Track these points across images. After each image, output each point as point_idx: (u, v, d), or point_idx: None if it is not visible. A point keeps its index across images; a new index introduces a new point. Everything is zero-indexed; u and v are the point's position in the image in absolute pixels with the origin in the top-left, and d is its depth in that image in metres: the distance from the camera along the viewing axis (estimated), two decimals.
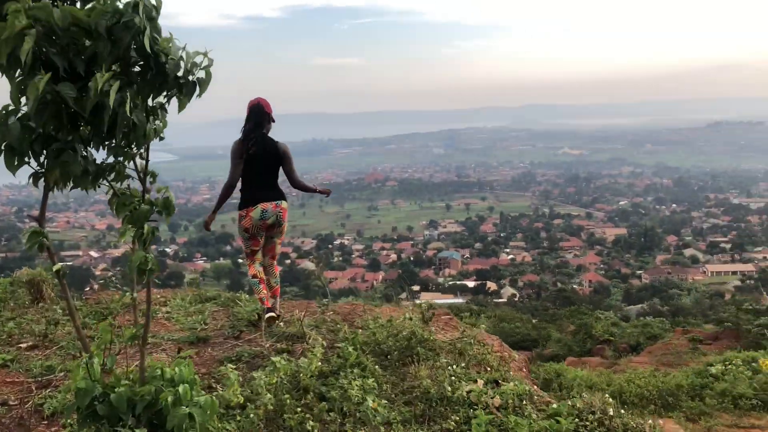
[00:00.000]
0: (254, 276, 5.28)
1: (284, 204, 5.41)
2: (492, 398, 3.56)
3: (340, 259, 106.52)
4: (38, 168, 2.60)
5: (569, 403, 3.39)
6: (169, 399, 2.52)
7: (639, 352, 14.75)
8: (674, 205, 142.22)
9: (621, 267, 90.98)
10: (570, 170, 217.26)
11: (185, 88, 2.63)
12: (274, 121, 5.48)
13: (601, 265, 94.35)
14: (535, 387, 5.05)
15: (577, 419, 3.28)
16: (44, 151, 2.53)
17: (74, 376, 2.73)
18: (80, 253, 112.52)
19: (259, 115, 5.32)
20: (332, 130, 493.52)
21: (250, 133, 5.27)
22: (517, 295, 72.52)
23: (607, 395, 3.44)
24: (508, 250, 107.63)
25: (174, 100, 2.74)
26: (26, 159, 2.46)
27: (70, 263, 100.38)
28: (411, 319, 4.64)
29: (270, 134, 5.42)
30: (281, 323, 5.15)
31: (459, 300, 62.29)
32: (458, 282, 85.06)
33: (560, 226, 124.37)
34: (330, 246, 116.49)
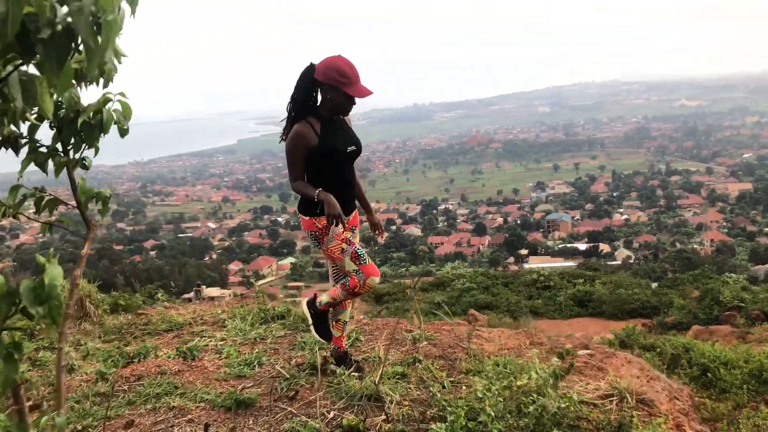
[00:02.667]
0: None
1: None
2: None
3: (445, 224, 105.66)
4: None
5: None
6: None
7: None
8: None
9: (746, 224, 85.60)
10: (687, 123, 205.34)
11: (44, 47, 1.15)
12: (308, 94, 3.67)
13: (724, 223, 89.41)
14: None
15: None
16: None
17: None
18: (199, 224, 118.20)
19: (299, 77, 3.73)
20: (433, 93, 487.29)
21: None
22: (633, 257, 69.96)
23: None
24: (621, 210, 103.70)
25: None
26: None
27: (190, 234, 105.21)
28: (538, 373, 3.15)
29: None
30: (350, 368, 3.79)
31: (569, 263, 60.11)
32: (568, 245, 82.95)
33: (678, 183, 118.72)
34: (434, 211, 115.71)
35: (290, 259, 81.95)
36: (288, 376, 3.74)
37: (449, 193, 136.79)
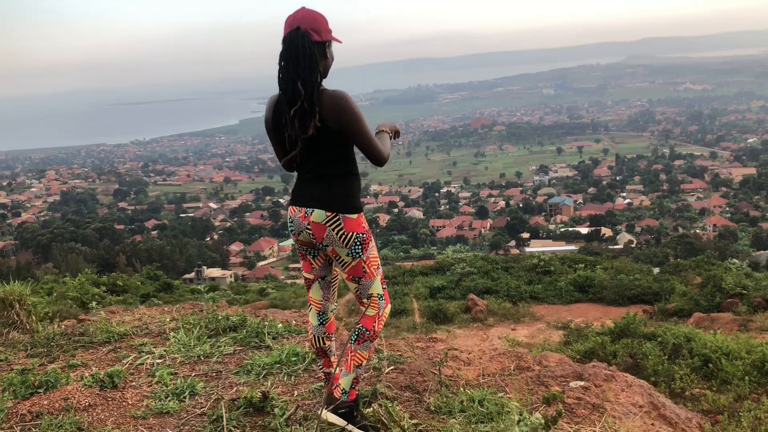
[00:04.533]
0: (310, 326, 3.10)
1: (318, 215, 2.74)
2: None
3: (447, 207, 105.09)
4: None
5: None
6: None
7: None
8: None
9: (749, 209, 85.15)
10: (692, 107, 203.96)
11: None
12: (323, 55, 2.75)
13: (727, 208, 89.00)
14: None
15: None
16: None
17: None
18: (200, 204, 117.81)
19: (291, 49, 2.67)
20: (437, 75, 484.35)
21: (280, 88, 2.74)
22: (635, 242, 69.56)
23: None
24: (624, 194, 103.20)
25: None
26: None
27: (192, 215, 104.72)
28: (523, 416, 2.52)
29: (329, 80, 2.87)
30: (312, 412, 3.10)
31: (571, 247, 59.65)
32: (570, 228, 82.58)
33: (681, 167, 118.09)
34: (437, 194, 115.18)
35: (291, 241, 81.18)
36: (215, 417, 3.09)
37: (452, 175, 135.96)
